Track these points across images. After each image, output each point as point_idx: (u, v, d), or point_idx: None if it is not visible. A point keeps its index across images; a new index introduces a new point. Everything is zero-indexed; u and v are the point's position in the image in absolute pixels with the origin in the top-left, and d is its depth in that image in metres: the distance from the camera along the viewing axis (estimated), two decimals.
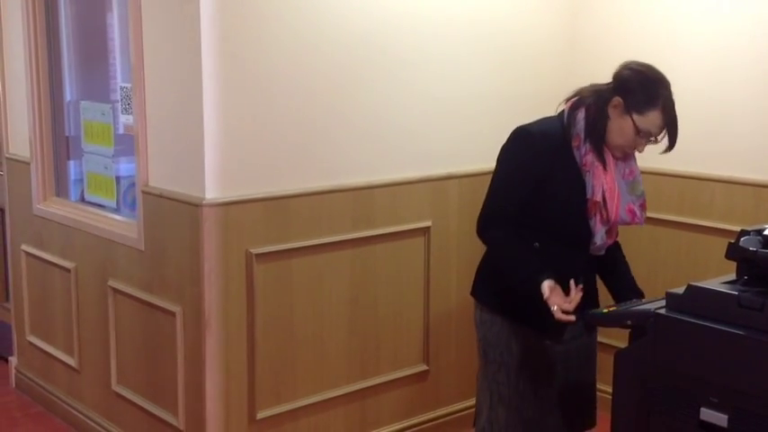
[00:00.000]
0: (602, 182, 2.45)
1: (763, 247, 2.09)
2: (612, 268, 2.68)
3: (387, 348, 3.36)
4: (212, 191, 2.82)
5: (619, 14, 3.51)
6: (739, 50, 3.13)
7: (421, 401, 3.49)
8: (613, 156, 2.47)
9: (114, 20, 3.82)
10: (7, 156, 4.08)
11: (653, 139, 2.43)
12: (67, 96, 3.81)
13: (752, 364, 1.98)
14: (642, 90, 2.39)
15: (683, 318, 2.10)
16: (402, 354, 3.41)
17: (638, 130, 2.40)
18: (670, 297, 2.17)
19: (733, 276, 2.19)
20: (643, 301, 2.45)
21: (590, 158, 2.45)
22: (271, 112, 2.91)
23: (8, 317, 4.27)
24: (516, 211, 2.49)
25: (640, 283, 2.65)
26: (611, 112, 2.43)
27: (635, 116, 2.39)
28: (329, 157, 3.07)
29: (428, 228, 3.38)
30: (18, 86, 3.87)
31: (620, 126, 2.42)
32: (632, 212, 2.49)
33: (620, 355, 2.26)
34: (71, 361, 3.69)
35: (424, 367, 3.48)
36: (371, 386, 3.32)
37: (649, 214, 2.85)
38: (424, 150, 3.34)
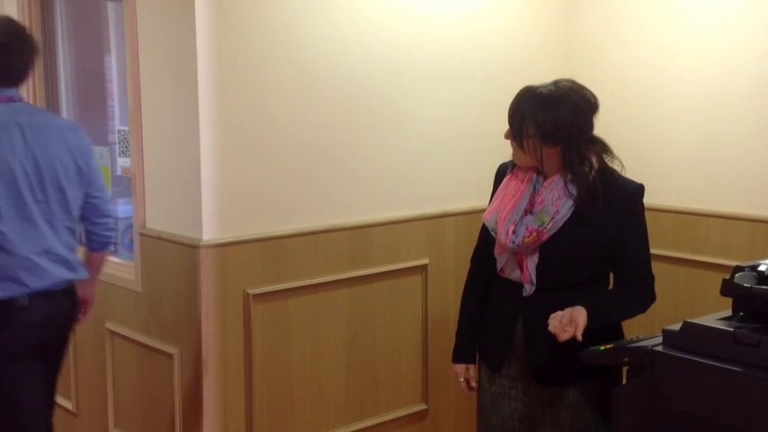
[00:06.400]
0: (499, 203, 2.48)
1: (757, 284, 2.09)
2: None
3: (385, 388, 3.35)
4: (210, 232, 2.83)
5: (616, 57, 3.53)
6: (736, 85, 3.15)
7: None
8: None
9: (113, 63, 3.86)
10: None
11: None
12: None
13: (748, 401, 1.98)
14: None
15: (679, 355, 2.10)
16: (401, 393, 3.40)
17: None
18: (666, 334, 2.17)
19: (729, 312, 2.19)
20: (641, 337, 2.45)
21: (504, 183, 2.51)
22: (268, 154, 2.93)
23: None
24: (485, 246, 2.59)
25: (638, 319, 2.64)
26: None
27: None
28: (326, 198, 3.09)
29: (425, 265, 3.39)
30: None
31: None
32: (506, 234, 2.42)
33: (617, 392, 2.26)
34: (68, 404, 3.67)
35: (423, 406, 3.47)
36: (370, 426, 3.30)
37: None
38: (419, 189, 3.35)
